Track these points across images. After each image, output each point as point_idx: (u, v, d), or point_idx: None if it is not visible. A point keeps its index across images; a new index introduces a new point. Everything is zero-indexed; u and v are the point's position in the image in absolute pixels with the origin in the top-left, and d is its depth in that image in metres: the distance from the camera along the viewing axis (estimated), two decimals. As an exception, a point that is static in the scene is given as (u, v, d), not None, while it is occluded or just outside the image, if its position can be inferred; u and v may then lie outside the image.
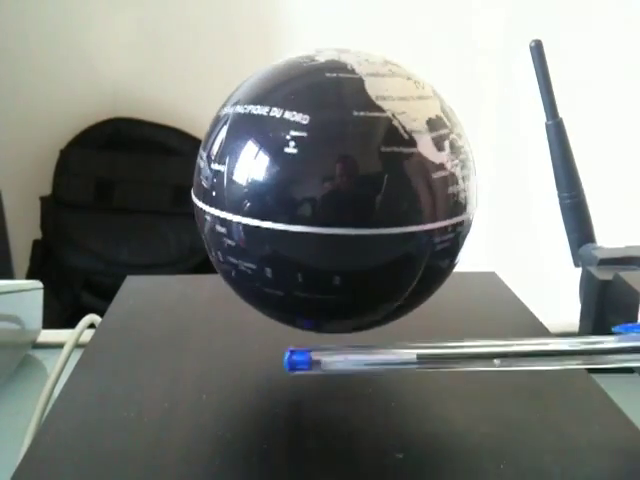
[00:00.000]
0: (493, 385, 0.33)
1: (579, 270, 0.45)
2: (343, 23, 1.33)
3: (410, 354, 0.28)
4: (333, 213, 0.26)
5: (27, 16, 1.33)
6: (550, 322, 0.40)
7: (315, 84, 0.28)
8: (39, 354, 0.45)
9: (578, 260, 0.46)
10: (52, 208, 1.33)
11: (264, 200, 0.27)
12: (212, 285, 0.43)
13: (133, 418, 0.30)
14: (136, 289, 0.43)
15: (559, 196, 0.46)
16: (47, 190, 1.34)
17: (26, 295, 0.44)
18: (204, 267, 1.27)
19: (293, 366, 0.29)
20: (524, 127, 1.25)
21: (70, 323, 0.47)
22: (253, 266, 0.28)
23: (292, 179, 0.26)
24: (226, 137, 0.28)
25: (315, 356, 0.29)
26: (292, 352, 0.29)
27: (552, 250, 0.64)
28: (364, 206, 0.26)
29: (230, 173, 0.28)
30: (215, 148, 0.29)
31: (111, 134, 1.34)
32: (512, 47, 1.28)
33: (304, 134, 0.26)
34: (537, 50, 0.44)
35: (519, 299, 0.42)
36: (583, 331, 0.42)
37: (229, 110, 0.29)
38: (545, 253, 0.95)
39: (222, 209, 0.28)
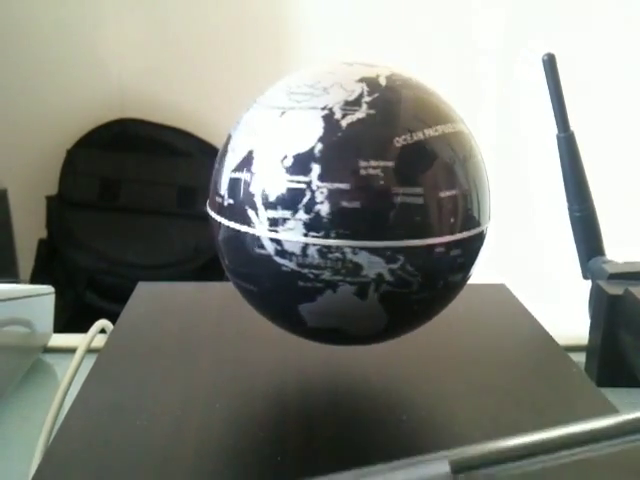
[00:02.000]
0: (504, 400, 0.33)
1: (588, 282, 0.46)
2: (345, 23, 1.33)
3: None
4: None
5: (34, 15, 1.33)
6: (559, 334, 0.40)
7: (439, 101, 0.30)
8: (50, 359, 0.45)
9: (587, 273, 0.46)
10: (58, 207, 1.33)
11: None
12: (223, 292, 0.44)
13: (146, 427, 0.30)
14: (147, 296, 0.44)
15: (569, 208, 0.46)
16: (53, 189, 1.35)
17: (37, 299, 0.44)
18: (208, 268, 1.27)
19: None
20: (524, 128, 1.25)
21: (73, 322, 0.47)
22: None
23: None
24: (424, 161, 0.27)
25: None
26: None
27: (561, 261, 0.64)
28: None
29: (431, 198, 0.27)
30: (410, 177, 0.27)
31: (118, 134, 1.35)
32: (512, 47, 1.28)
33: (474, 143, 0.30)
34: (549, 63, 0.44)
35: (528, 311, 0.42)
36: (592, 345, 0.42)
37: (409, 139, 0.27)
38: (554, 264, 0.95)
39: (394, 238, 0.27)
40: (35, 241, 1.36)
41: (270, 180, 0.27)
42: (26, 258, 1.34)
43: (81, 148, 1.35)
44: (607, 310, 0.40)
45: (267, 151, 0.27)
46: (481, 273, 0.34)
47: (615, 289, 0.41)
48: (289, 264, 0.27)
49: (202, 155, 1.34)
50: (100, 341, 0.42)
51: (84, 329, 0.44)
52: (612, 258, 0.45)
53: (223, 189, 0.28)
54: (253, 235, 0.27)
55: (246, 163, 0.28)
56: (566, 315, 0.52)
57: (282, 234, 0.27)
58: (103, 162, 1.33)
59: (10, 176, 1.31)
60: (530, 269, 1.19)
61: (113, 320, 0.44)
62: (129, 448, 0.28)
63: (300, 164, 0.26)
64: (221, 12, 1.35)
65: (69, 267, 1.30)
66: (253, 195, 0.27)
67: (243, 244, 0.28)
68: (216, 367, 0.35)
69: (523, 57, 1.19)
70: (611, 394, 0.33)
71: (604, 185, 0.54)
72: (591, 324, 0.43)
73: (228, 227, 0.28)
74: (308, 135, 0.27)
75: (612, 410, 0.32)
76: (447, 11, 1.33)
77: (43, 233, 1.36)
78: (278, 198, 0.27)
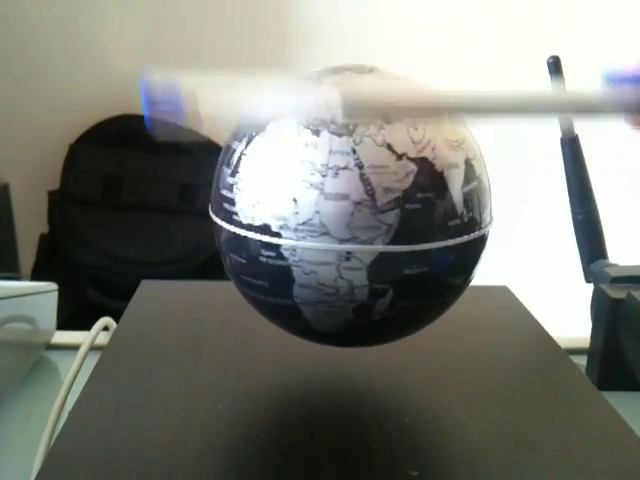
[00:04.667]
0: (506, 403, 0.33)
1: (591, 285, 0.46)
2: (346, 22, 1.33)
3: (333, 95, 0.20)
4: None
5: (39, 11, 1.33)
6: (561, 337, 0.40)
7: None
8: (53, 355, 0.46)
9: (589, 276, 0.46)
10: (59, 203, 1.33)
11: None
12: (225, 291, 0.44)
13: (149, 426, 0.30)
14: (151, 294, 0.44)
15: (572, 211, 0.46)
16: (55, 185, 1.35)
17: (40, 297, 0.44)
18: (209, 265, 1.27)
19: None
20: (526, 130, 1.25)
21: (74, 319, 0.47)
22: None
23: None
24: None
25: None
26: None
27: (563, 264, 0.64)
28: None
29: None
30: None
31: (120, 131, 1.34)
32: (512, 47, 1.28)
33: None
34: (554, 66, 0.44)
35: (531, 314, 0.42)
36: (593, 348, 0.43)
37: None
38: (556, 267, 0.95)
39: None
40: (36, 236, 1.36)
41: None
42: (27, 253, 1.34)
43: (83, 144, 1.34)
44: (609, 314, 0.40)
45: (478, 153, 0.30)
46: (484, 275, 0.34)
47: (617, 293, 0.41)
48: None
49: (204, 152, 1.34)
50: (103, 339, 0.42)
51: (85, 325, 0.44)
52: (614, 261, 0.46)
53: (459, 208, 0.28)
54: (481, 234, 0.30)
55: (471, 173, 0.29)
56: (568, 318, 0.53)
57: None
58: (105, 158, 1.33)
59: (12, 171, 1.31)
60: (532, 272, 1.19)
61: (114, 317, 0.44)
62: (132, 447, 0.28)
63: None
64: (225, 10, 1.34)
65: (70, 263, 1.30)
66: (484, 197, 0.30)
67: (468, 250, 0.29)
68: (219, 367, 0.35)
69: (523, 57, 1.19)
70: (612, 397, 0.33)
71: (607, 188, 0.54)
72: (593, 327, 0.43)
73: (463, 243, 0.28)
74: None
75: (613, 413, 0.32)
76: (447, 11, 1.33)
77: (44, 228, 1.36)
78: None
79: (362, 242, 0.26)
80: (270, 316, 0.32)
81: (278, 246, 0.27)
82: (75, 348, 0.41)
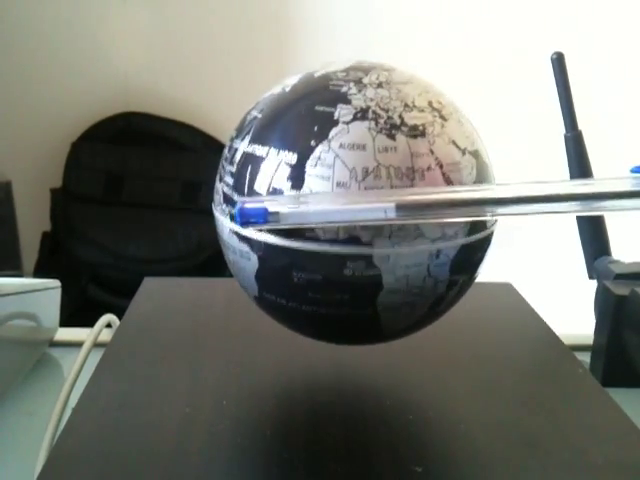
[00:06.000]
0: (510, 400, 0.33)
1: (594, 282, 0.46)
2: (347, 20, 1.33)
3: (388, 204, 0.24)
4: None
5: (40, 10, 1.33)
6: (565, 334, 0.40)
7: None
8: (56, 352, 0.46)
9: (593, 273, 0.46)
10: (62, 200, 1.33)
11: None
12: (228, 288, 0.44)
13: (153, 423, 0.30)
14: (154, 291, 0.44)
15: (575, 208, 0.46)
16: (57, 182, 1.35)
17: (43, 294, 0.44)
18: (211, 263, 1.27)
19: (246, 219, 0.25)
20: (529, 126, 1.25)
21: (76, 316, 0.47)
22: None
23: None
24: None
25: (272, 207, 0.25)
26: (244, 203, 0.25)
27: (567, 261, 0.64)
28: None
29: None
30: None
31: (123, 128, 1.35)
32: (512, 47, 1.28)
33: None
34: (558, 62, 0.44)
35: (534, 310, 0.42)
36: (597, 345, 0.42)
37: None
38: (560, 264, 0.95)
39: None
40: (39, 234, 1.36)
41: None
42: (29, 250, 1.35)
43: (86, 142, 1.35)
44: (613, 310, 0.40)
45: None
46: (488, 272, 0.34)
47: (621, 289, 0.41)
48: None
49: (206, 150, 1.34)
50: (106, 335, 0.42)
51: (86, 322, 0.44)
52: (618, 258, 0.45)
53: None
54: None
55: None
56: (572, 315, 0.53)
57: None
58: (107, 156, 1.34)
59: (14, 168, 1.31)
60: (536, 268, 1.19)
61: (116, 314, 0.44)
62: (136, 444, 0.28)
63: None
64: (226, 8, 1.34)
65: (72, 260, 1.30)
66: None
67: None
68: (223, 364, 0.35)
69: (526, 54, 1.19)
70: (616, 394, 0.33)
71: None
72: (597, 324, 0.43)
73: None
74: None
75: (617, 410, 0.32)
76: (448, 11, 1.33)
77: (47, 226, 1.36)
78: None
79: (449, 238, 0.27)
80: (329, 330, 0.30)
81: (369, 256, 0.26)
82: (78, 345, 0.41)
